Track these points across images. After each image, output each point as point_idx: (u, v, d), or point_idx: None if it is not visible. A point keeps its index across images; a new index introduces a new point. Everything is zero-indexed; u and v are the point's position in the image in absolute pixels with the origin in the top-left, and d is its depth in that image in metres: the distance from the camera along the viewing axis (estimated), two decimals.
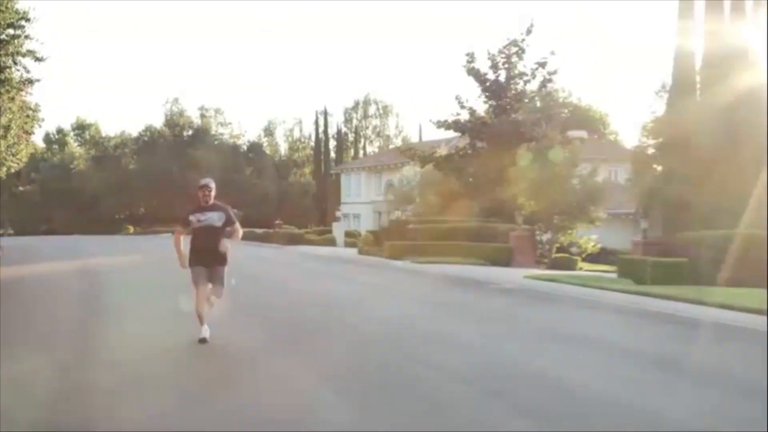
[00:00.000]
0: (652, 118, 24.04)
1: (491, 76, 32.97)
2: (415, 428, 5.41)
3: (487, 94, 33.19)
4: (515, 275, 20.15)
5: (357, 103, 79.62)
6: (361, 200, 52.07)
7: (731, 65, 20.72)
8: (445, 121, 33.28)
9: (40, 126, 34.67)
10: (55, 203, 69.76)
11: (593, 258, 28.46)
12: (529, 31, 32.35)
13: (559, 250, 27.70)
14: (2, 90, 26.16)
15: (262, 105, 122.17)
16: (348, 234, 43.24)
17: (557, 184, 25.84)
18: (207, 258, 8.54)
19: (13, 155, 30.57)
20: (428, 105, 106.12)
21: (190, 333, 8.61)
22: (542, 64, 32.36)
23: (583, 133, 37.61)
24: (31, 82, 27.94)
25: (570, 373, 7.30)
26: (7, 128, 27.95)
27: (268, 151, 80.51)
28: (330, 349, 8.71)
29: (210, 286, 8.65)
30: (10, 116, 27.93)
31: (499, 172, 29.76)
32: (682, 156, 21.17)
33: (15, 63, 26.44)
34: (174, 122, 74.34)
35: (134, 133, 76.56)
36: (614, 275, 20.27)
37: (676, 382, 7.22)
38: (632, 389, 6.66)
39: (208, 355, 8.13)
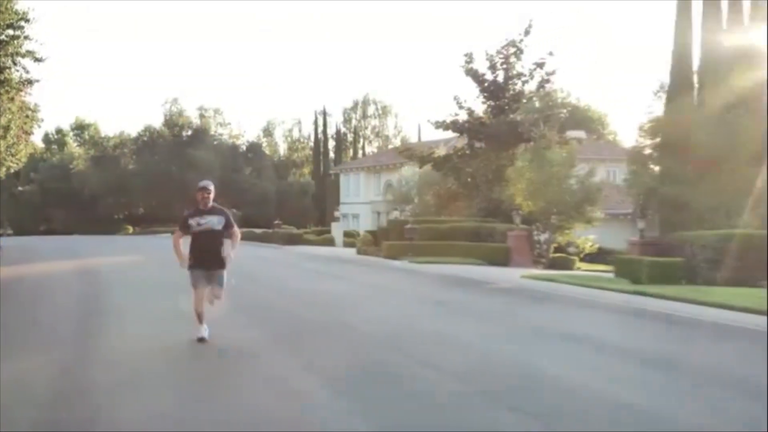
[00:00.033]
0: (650, 118, 24.07)
1: (489, 76, 32.97)
2: (414, 428, 5.45)
3: (485, 94, 33.18)
4: (513, 275, 20.19)
5: (356, 104, 79.84)
6: (360, 200, 52.03)
7: (729, 65, 20.77)
8: (444, 121, 33.29)
9: (39, 126, 34.78)
10: (55, 203, 69.72)
11: (591, 258, 28.50)
12: (527, 32, 32.38)
13: (557, 250, 27.76)
14: (2, 90, 26.17)
15: (261, 105, 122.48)
16: (347, 234, 43.22)
17: (555, 185, 25.89)
18: (207, 261, 8.60)
19: (13, 155, 30.59)
20: (427, 105, 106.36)
21: (190, 333, 8.67)
22: (540, 65, 32.38)
23: (582, 134, 37.72)
24: (30, 82, 27.95)
25: (568, 373, 7.34)
26: (7, 128, 27.98)
27: (267, 152, 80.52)
28: (329, 348, 8.75)
29: (209, 288, 8.70)
30: (10, 116, 27.95)
31: (497, 172, 29.88)
32: (679, 156, 21.23)
33: (14, 63, 26.46)
34: (173, 122, 74.21)
35: (133, 134, 76.48)
36: (612, 275, 20.30)
37: (674, 381, 7.25)
38: (630, 389, 6.69)
39: (207, 355, 8.18)
